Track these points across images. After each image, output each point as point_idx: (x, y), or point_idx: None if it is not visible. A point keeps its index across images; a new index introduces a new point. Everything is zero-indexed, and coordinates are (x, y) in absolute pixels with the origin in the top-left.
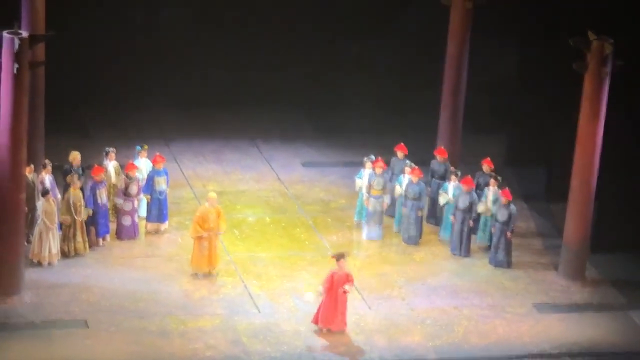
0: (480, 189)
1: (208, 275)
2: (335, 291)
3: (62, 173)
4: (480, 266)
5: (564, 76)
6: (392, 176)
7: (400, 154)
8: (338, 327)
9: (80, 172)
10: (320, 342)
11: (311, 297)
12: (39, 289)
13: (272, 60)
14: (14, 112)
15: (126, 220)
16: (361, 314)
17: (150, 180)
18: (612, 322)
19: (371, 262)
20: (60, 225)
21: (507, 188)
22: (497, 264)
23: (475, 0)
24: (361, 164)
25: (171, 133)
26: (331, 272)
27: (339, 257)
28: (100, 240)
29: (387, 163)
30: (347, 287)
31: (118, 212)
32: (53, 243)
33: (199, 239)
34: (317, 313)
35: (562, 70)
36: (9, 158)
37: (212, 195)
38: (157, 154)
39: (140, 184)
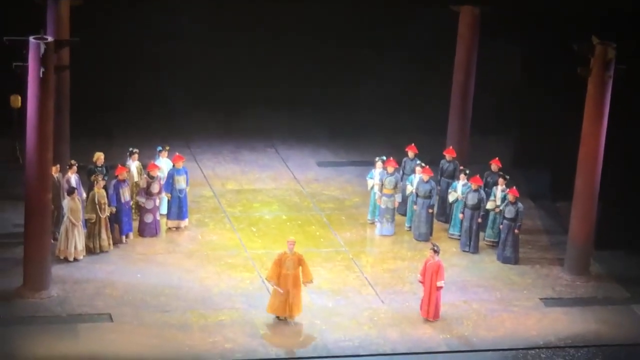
0: (488, 187)
1: (284, 320)
2: (429, 281)
3: (86, 173)
4: (488, 262)
5: (569, 80)
6: (404, 175)
7: (411, 154)
8: (432, 316)
9: (104, 171)
10: (334, 335)
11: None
12: (66, 284)
13: (290, 64)
14: (41, 114)
15: (148, 218)
16: (374, 308)
17: (170, 179)
18: (616, 315)
19: (384, 258)
20: (86, 223)
21: (514, 187)
22: (504, 260)
23: (483, 7)
24: (373, 164)
25: (191, 134)
26: (425, 261)
27: (437, 250)
28: (124, 237)
29: (399, 162)
30: (441, 282)
31: (140, 210)
32: (79, 240)
33: (276, 282)
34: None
35: (567, 74)
36: (36, 158)
37: (290, 239)
38: (177, 154)
39: (161, 182)
